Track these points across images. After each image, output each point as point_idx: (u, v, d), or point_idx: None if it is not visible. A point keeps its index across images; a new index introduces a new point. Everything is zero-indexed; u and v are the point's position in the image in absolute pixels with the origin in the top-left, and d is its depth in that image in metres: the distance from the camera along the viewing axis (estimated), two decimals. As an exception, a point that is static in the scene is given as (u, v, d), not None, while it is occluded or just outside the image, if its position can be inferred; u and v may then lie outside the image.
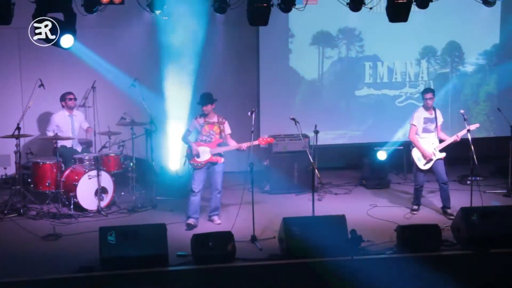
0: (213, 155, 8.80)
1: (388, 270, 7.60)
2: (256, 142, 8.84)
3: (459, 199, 9.40)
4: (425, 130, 9.39)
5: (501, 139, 11.53)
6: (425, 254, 7.78)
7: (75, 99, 10.39)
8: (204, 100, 8.78)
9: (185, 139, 8.93)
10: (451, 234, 8.30)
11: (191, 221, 8.77)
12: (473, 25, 11.84)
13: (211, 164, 8.83)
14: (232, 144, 8.82)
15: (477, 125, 9.54)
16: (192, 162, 8.84)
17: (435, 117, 9.42)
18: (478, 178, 10.30)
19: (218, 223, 8.89)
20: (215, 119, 8.87)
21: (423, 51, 12.10)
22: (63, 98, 10.30)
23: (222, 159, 8.86)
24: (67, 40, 8.38)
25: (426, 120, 9.39)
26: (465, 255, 7.86)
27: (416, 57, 12.08)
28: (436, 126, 9.42)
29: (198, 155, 8.77)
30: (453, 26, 11.96)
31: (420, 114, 9.43)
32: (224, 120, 8.91)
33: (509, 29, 12.11)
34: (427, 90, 9.55)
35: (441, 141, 9.43)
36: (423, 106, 9.51)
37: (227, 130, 8.91)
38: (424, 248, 7.84)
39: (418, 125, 9.37)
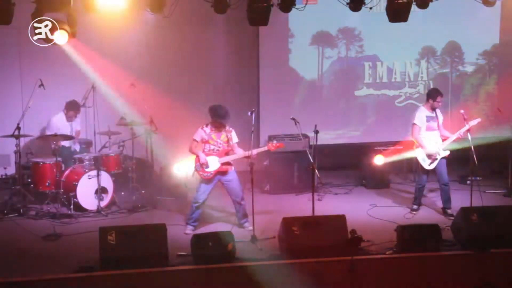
0: (222, 164, 8.75)
1: (388, 270, 7.61)
2: (265, 148, 8.82)
3: (459, 199, 9.40)
4: (429, 128, 9.40)
5: (501, 139, 11.53)
6: (425, 254, 7.78)
7: (79, 111, 10.34)
8: (227, 114, 8.65)
9: (192, 149, 8.77)
10: (451, 234, 8.30)
11: (189, 230, 8.70)
12: (473, 25, 11.84)
13: (221, 174, 8.76)
14: (241, 152, 8.71)
15: (479, 119, 9.51)
16: (201, 173, 8.75)
17: (436, 116, 9.43)
18: (478, 178, 10.31)
19: (250, 229, 8.58)
20: (222, 128, 8.84)
21: (423, 51, 12.10)
22: (68, 107, 10.23)
23: (232, 167, 8.80)
24: (61, 36, 8.39)
25: (429, 118, 9.40)
26: (465, 255, 7.86)
27: (416, 57, 12.08)
28: (438, 124, 9.43)
29: (207, 165, 8.70)
30: (453, 26, 11.95)
31: (422, 113, 9.43)
32: (230, 129, 8.81)
33: (509, 29, 12.11)
34: (440, 94, 9.47)
35: (444, 139, 9.44)
36: (426, 105, 9.50)
37: (235, 138, 8.79)
38: (424, 248, 7.84)
39: (421, 124, 9.37)
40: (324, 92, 12.02)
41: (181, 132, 10.71)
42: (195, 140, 8.75)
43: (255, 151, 8.63)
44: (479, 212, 8.15)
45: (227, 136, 8.75)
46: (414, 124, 9.42)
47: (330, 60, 11.92)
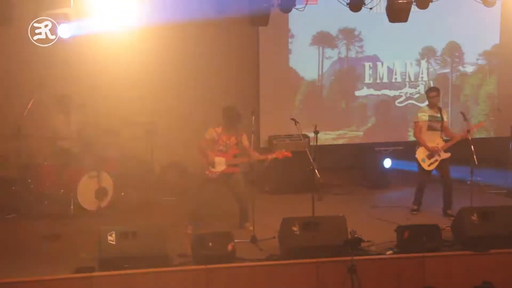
0: (229, 165, 8.74)
1: (388, 270, 7.61)
2: (273, 155, 8.82)
3: (459, 199, 9.40)
4: (430, 128, 9.41)
5: (501, 139, 11.53)
6: (425, 254, 7.77)
7: (71, 103, 10.33)
8: (239, 117, 8.71)
9: (201, 148, 8.75)
10: (451, 234, 8.30)
11: (189, 229, 8.68)
12: (473, 25, 11.85)
13: (227, 176, 8.76)
14: (251, 156, 8.67)
15: (483, 122, 9.54)
16: (206, 172, 8.74)
17: (441, 116, 9.43)
18: (478, 178, 10.31)
19: (250, 229, 8.58)
20: (233, 130, 8.82)
21: (423, 51, 12.09)
22: (60, 102, 10.26)
23: (239, 169, 8.80)
24: (65, 30, 8.41)
25: (431, 118, 9.40)
26: (465, 255, 7.86)
27: (416, 57, 12.07)
28: (442, 125, 9.43)
29: (213, 165, 8.71)
30: (453, 26, 11.95)
31: (425, 112, 9.45)
32: (242, 132, 8.81)
33: (509, 29, 12.11)
34: (431, 89, 9.61)
35: (446, 141, 9.44)
36: (427, 105, 9.53)
37: (245, 142, 8.80)
38: (424, 248, 7.84)
39: (422, 123, 9.38)
40: (324, 92, 12.02)
41: (181, 132, 10.75)
42: (205, 138, 8.77)
43: (264, 158, 8.73)
44: (479, 212, 8.15)
45: (237, 138, 8.76)
46: (415, 122, 9.46)
47: (330, 61, 11.91)
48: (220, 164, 8.69)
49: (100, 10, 8.87)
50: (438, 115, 9.44)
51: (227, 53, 11.50)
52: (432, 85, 11.75)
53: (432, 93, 9.44)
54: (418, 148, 9.45)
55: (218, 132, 8.73)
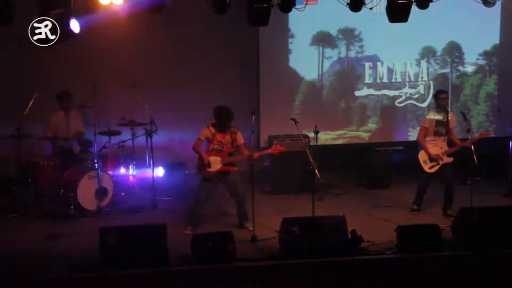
0: (224, 164, 8.75)
1: (388, 270, 7.61)
2: (269, 151, 8.84)
3: (459, 199, 9.40)
4: (436, 133, 9.40)
5: (501, 139, 11.53)
6: (425, 254, 7.78)
7: (71, 100, 10.33)
8: (230, 116, 8.69)
9: (196, 148, 8.75)
10: (451, 234, 8.30)
11: (189, 230, 8.68)
12: (473, 25, 11.85)
13: (222, 174, 8.76)
14: (244, 153, 8.71)
15: (490, 133, 9.57)
16: (202, 172, 8.76)
17: (447, 120, 9.42)
18: (478, 178, 10.30)
19: (250, 229, 8.59)
20: (226, 129, 8.81)
21: (423, 51, 12.09)
22: (59, 98, 10.27)
23: (235, 168, 8.80)
24: (75, 25, 8.45)
25: (438, 123, 9.40)
26: (465, 255, 7.86)
27: (416, 57, 12.07)
28: (448, 129, 9.42)
29: (209, 165, 8.71)
30: (453, 26, 11.96)
31: (432, 117, 9.44)
32: (236, 129, 8.82)
33: (509, 29, 12.12)
34: (442, 91, 9.61)
35: (450, 145, 9.43)
36: (435, 108, 9.54)
37: (240, 140, 8.82)
38: (424, 248, 7.84)
39: (429, 128, 9.38)
40: (324, 92, 12.02)
41: (181, 132, 10.74)
42: (199, 139, 8.75)
43: (257, 154, 8.69)
44: (479, 213, 8.15)
45: (231, 137, 8.76)
46: (421, 126, 9.48)
47: (330, 61, 11.91)
48: (216, 163, 8.69)
49: (100, 10, 8.87)
50: (445, 119, 9.43)
51: (227, 53, 11.50)
52: (431, 85, 11.81)
53: (443, 95, 9.46)
54: (420, 149, 9.45)
55: (212, 132, 8.73)
